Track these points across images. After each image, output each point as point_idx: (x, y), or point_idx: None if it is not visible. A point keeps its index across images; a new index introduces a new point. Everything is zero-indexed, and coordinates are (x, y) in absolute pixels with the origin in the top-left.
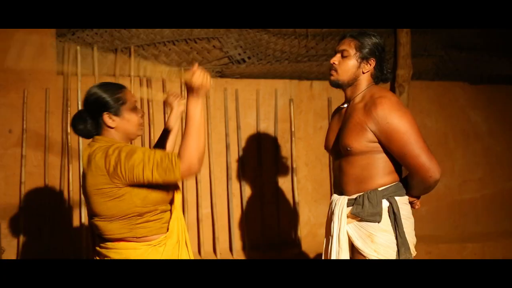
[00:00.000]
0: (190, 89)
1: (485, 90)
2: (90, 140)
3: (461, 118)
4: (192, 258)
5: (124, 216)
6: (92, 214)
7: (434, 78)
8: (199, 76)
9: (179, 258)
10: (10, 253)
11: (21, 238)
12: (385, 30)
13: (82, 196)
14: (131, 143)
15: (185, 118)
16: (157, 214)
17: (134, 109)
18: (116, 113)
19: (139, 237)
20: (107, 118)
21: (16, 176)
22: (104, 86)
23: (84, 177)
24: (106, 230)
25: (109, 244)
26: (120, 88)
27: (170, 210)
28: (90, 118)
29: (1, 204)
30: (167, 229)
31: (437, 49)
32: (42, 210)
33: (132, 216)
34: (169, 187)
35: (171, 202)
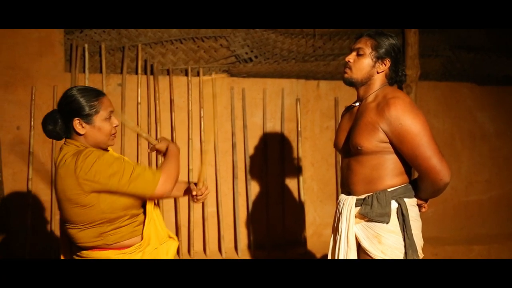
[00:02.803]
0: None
1: (493, 91)
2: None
3: (468, 119)
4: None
5: (93, 223)
6: (64, 221)
7: (441, 79)
8: (165, 143)
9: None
10: (18, 250)
11: (29, 235)
12: (393, 30)
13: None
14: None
15: (167, 153)
16: (128, 219)
17: (107, 119)
18: (87, 121)
19: (110, 244)
20: (77, 124)
21: (23, 172)
22: (83, 91)
23: (55, 181)
24: (77, 238)
25: (83, 252)
26: (98, 95)
27: (144, 213)
28: (61, 120)
29: (9, 201)
30: (141, 237)
31: (445, 49)
32: (49, 207)
33: (102, 223)
34: None
35: (143, 205)
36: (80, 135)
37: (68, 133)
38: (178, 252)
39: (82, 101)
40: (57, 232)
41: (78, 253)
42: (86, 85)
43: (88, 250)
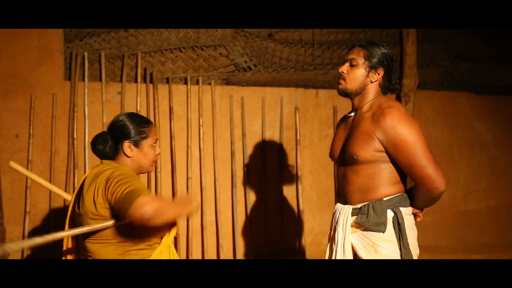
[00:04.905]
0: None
1: (491, 101)
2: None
3: (466, 128)
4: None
5: (121, 239)
6: (85, 236)
7: (439, 88)
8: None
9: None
10: (15, 258)
11: None
12: (391, 40)
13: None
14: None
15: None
16: (151, 244)
17: (153, 146)
18: (136, 144)
19: None
20: (126, 146)
21: (21, 181)
22: (133, 116)
23: (81, 196)
24: (98, 254)
25: None
26: (147, 123)
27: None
28: (112, 141)
29: (7, 209)
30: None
31: (443, 59)
32: (47, 215)
33: (129, 240)
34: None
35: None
36: (128, 157)
37: (116, 154)
38: None
39: (133, 126)
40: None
41: None
42: (135, 112)
43: None
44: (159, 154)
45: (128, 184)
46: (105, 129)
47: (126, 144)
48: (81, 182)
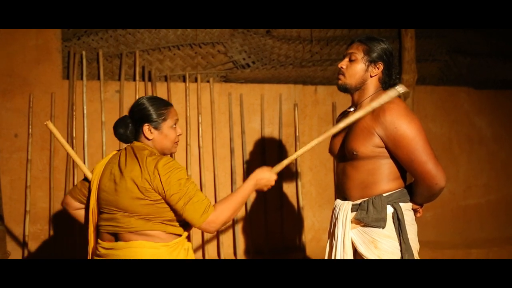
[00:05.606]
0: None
1: (490, 95)
2: (127, 144)
3: (465, 123)
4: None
5: (158, 217)
6: (118, 208)
7: (438, 83)
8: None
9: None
10: (15, 257)
11: (26, 242)
12: (389, 35)
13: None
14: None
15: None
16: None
17: (173, 127)
18: (156, 127)
19: (168, 233)
20: (146, 129)
21: (21, 180)
22: (152, 99)
23: (123, 174)
24: (132, 225)
25: (120, 243)
26: (166, 105)
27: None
28: (132, 125)
29: (7, 208)
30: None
31: (442, 54)
32: (47, 214)
33: (166, 219)
34: None
35: None
36: (149, 139)
37: (137, 137)
38: None
39: (152, 108)
40: (54, 239)
41: (108, 247)
42: (155, 95)
43: (128, 241)
44: (180, 135)
45: (186, 185)
46: (104, 128)
47: (146, 127)
48: (104, 163)
